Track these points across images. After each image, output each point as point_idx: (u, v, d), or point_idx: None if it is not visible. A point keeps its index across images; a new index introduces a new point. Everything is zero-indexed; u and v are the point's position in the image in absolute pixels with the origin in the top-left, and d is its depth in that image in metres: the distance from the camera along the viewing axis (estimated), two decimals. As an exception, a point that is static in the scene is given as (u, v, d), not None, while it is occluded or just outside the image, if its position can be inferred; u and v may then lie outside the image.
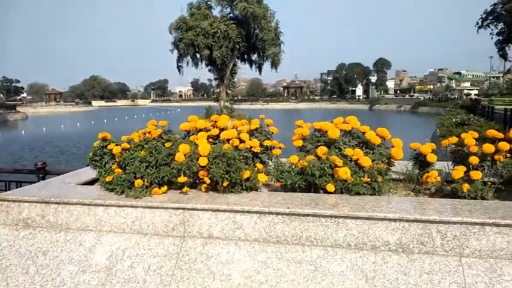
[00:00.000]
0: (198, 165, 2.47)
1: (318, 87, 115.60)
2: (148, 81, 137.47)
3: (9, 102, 76.36)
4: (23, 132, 36.63)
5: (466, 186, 2.26)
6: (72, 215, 2.52)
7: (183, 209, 2.31)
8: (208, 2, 33.11)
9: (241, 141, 2.79)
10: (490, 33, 23.03)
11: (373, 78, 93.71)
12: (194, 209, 2.30)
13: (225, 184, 2.42)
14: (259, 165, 2.66)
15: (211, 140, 2.78)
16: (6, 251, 2.51)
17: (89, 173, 3.08)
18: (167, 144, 2.60)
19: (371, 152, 2.62)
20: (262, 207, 2.20)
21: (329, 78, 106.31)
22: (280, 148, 2.98)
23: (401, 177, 2.83)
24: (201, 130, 2.86)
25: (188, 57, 32.80)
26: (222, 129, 2.90)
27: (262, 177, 2.48)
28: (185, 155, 2.47)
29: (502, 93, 57.97)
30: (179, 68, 34.04)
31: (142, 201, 2.41)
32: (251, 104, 76.18)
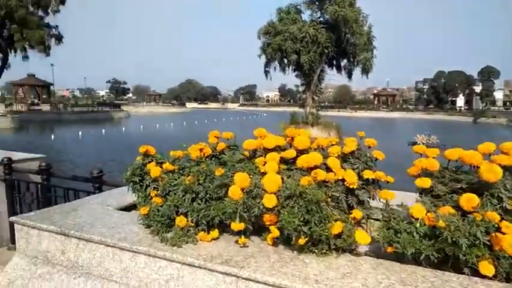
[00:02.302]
0: (261, 206, 1.64)
1: (413, 95, 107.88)
2: (237, 86, 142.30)
3: (117, 102, 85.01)
4: (123, 129, 39.92)
5: None
6: (94, 256, 1.88)
7: (236, 276, 1.50)
8: (298, 7, 32.46)
9: (328, 169, 1.90)
10: None
11: (477, 88, 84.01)
12: (251, 280, 1.46)
13: (301, 242, 1.55)
14: (357, 213, 1.72)
15: (283, 165, 1.93)
16: (16, 294, 1.97)
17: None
18: (217, 172, 1.81)
19: (558, 207, 1.53)
20: (362, 297, 1.28)
21: (424, 86, 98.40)
22: (387, 183, 2.03)
23: None
24: (270, 150, 2.02)
25: (276, 62, 32.59)
26: (301, 151, 2.03)
27: (363, 238, 1.55)
28: (243, 190, 1.66)
29: None
30: (266, 73, 34.01)
31: (179, 253, 1.65)
32: (338, 111, 73.66)
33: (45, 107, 51.74)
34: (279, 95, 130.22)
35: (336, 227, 1.57)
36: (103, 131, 34.38)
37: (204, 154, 2.05)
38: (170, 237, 1.75)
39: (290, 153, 1.97)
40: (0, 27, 31.60)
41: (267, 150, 2.01)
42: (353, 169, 2.02)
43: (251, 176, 1.74)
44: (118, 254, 1.79)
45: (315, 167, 1.83)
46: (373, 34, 31.41)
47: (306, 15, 29.87)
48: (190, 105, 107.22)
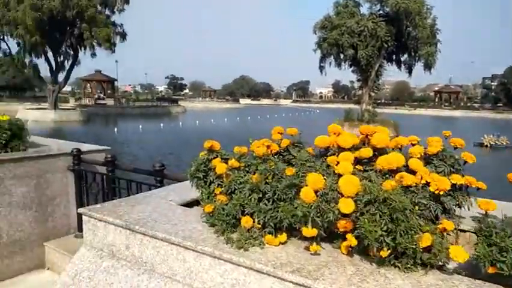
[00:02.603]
0: (336, 211, 1.48)
1: (478, 93, 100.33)
2: (290, 82, 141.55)
3: (175, 97, 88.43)
4: (180, 124, 41.28)
5: None
6: (158, 253, 1.83)
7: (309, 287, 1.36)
8: (356, 0, 31.08)
9: (409, 171, 1.69)
10: None
11: (557, 85, 75.85)
12: (326, 293, 1.32)
13: (384, 254, 1.37)
14: (448, 224, 1.51)
15: (359, 166, 1.76)
16: (83, 286, 1.99)
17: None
18: (288, 171, 1.67)
19: None
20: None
21: (493, 83, 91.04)
22: (478, 189, 1.77)
23: None
24: (345, 149, 1.84)
25: (331, 58, 31.60)
26: (378, 151, 1.84)
27: (459, 254, 1.33)
28: (316, 192, 1.51)
29: None
30: (321, 68, 33.13)
31: (246, 257, 1.54)
32: (395, 109, 70.42)
33: (110, 102, 55.02)
34: (333, 91, 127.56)
35: (425, 240, 1.37)
36: (161, 125, 35.81)
37: (271, 151, 1.92)
38: (236, 239, 1.65)
39: (367, 152, 1.79)
40: (72, 26, 34.02)
41: (341, 149, 1.84)
42: (437, 172, 1.80)
43: (325, 177, 1.59)
44: (182, 253, 1.73)
45: (397, 169, 1.64)
46: (437, 27, 29.38)
47: (364, 8, 28.72)
48: (244, 101, 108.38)
